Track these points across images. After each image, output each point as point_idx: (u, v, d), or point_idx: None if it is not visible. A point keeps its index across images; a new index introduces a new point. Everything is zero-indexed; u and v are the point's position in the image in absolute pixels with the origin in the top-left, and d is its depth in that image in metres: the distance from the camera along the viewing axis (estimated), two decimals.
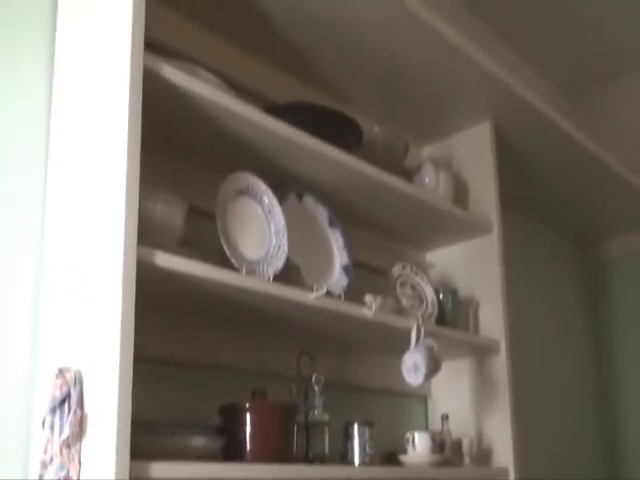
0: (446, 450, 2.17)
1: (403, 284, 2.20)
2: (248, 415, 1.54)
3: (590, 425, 3.47)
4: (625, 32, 3.33)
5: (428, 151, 2.60)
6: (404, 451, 2.07)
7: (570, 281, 3.58)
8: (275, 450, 1.57)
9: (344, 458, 1.90)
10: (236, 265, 1.55)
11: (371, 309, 1.87)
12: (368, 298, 1.90)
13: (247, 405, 1.56)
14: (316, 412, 1.81)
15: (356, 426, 1.90)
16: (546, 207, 3.22)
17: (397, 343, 2.03)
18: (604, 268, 3.66)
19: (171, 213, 1.50)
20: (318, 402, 1.81)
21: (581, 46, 3.41)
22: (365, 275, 2.23)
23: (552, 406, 3.18)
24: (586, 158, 2.83)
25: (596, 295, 3.67)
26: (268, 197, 1.69)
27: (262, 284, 1.59)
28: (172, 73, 1.48)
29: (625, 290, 3.58)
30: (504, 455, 2.29)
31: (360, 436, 1.89)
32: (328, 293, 1.79)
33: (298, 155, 1.81)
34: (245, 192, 1.66)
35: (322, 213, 1.95)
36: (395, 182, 2.04)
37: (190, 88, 1.51)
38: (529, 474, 2.57)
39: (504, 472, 2.26)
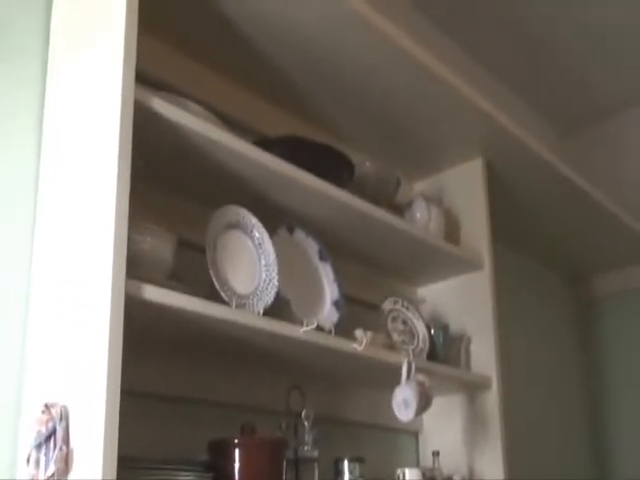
0: None
1: (394, 319, 2.18)
2: (237, 451, 1.52)
3: (584, 462, 3.43)
4: (619, 69, 3.35)
5: (420, 186, 2.59)
6: None
7: (562, 317, 3.55)
8: None
9: None
10: (226, 299, 1.53)
11: (361, 344, 1.85)
12: (359, 333, 1.88)
13: (236, 441, 1.53)
14: (306, 448, 1.77)
15: (346, 462, 1.87)
16: (538, 244, 3.20)
17: (388, 378, 2.00)
18: (596, 305, 3.64)
19: (160, 246, 1.49)
20: (308, 438, 1.78)
21: (575, 83, 3.43)
22: (356, 310, 2.20)
23: (545, 443, 3.14)
24: (578, 195, 2.82)
25: (588, 332, 3.64)
26: (259, 231, 1.67)
27: (252, 318, 1.57)
28: (163, 106, 1.47)
29: (616, 327, 3.56)
30: None
31: (350, 472, 1.86)
32: (318, 328, 1.77)
33: (289, 189, 1.80)
34: (235, 225, 1.64)
35: (313, 247, 1.93)
36: (386, 217, 2.03)
37: (181, 121, 1.50)
38: None
39: None
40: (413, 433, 2.44)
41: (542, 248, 3.25)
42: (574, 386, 3.51)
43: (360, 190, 2.02)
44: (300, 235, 1.91)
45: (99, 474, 1.18)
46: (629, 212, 3.19)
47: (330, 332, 1.81)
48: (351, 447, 2.10)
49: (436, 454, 2.20)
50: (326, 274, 1.93)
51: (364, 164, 2.11)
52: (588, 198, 2.85)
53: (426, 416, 2.41)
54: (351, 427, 2.21)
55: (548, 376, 3.31)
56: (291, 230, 1.89)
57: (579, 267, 3.52)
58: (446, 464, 2.27)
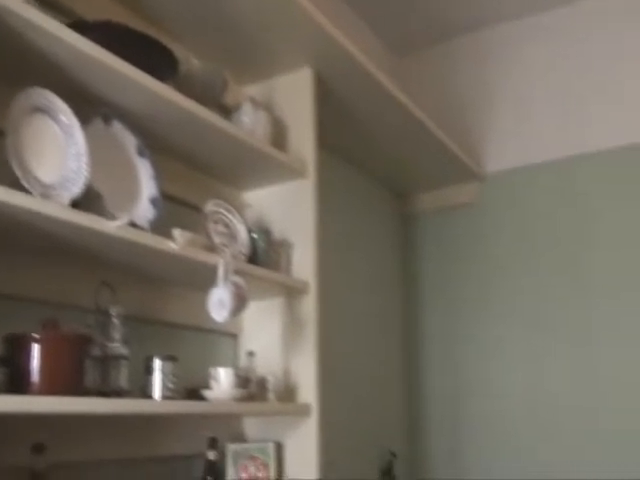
0: (251, 386, 2.09)
1: (216, 221, 2.08)
2: (35, 346, 1.39)
3: (394, 370, 3.50)
4: None
5: (249, 91, 2.46)
6: (208, 387, 1.97)
7: (384, 230, 3.57)
8: (64, 383, 1.43)
9: (144, 393, 1.77)
10: (28, 187, 1.37)
11: (178, 243, 1.74)
12: (176, 232, 1.77)
13: (34, 335, 1.39)
14: (115, 345, 1.66)
15: (157, 361, 1.77)
16: (365, 157, 3.17)
17: (206, 279, 1.91)
18: (416, 221, 3.68)
19: None
20: (117, 335, 1.67)
21: (413, 5, 3.37)
22: (178, 210, 2.09)
23: (359, 349, 3.17)
24: (403, 115, 2.79)
25: (409, 244, 3.69)
26: (67, 117, 1.49)
27: (57, 209, 1.42)
28: None
29: (433, 241, 3.62)
30: (308, 393, 2.24)
31: (161, 371, 1.77)
32: (133, 224, 1.64)
33: (106, 78, 1.63)
34: (41, 110, 1.46)
35: (131, 141, 1.77)
36: (211, 117, 1.91)
37: None
38: (332, 412, 2.54)
39: (307, 409, 2.21)
40: (232, 335, 2.38)
41: (369, 162, 3.22)
42: (391, 295, 3.56)
43: (185, 88, 1.88)
44: (117, 127, 1.75)
45: None
46: (452, 136, 3.20)
47: (145, 229, 1.69)
48: (168, 347, 2.00)
49: (251, 354, 2.15)
50: (144, 170, 1.79)
51: (190, 61, 1.97)
52: (413, 119, 2.82)
53: (245, 319, 2.37)
54: (168, 327, 2.11)
55: (367, 284, 3.33)
56: (107, 121, 1.73)
57: (403, 183, 3.52)
58: (263, 365, 2.25)
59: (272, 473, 2.19)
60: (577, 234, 3.24)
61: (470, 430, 3.37)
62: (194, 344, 2.21)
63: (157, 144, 1.92)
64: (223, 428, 2.23)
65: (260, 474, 2.19)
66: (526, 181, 3.42)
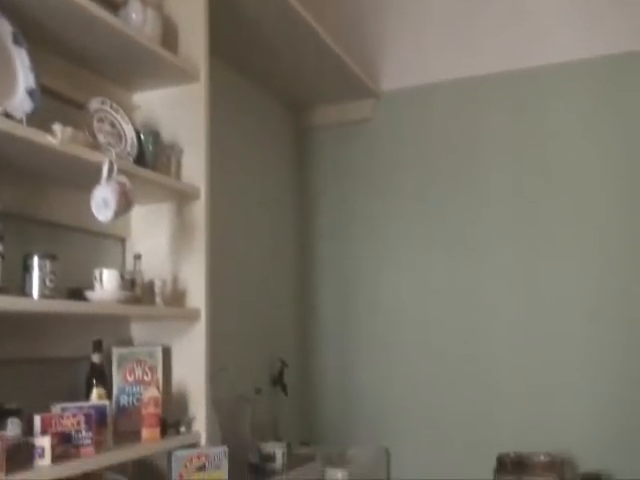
0: (137, 289, 2.04)
1: (101, 120, 1.98)
2: None
3: (287, 280, 3.51)
4: None
5: None
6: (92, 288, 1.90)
7: (279, 142, 3.52)
8: None
9: (23, 291, 1.70)
10: None
11: (58, 138, 1.65)
12: (56, 127, 1.67)
13: None
14: None
15: (36, 258, 1.69)
16: (259, 68, 3.08)
17: (90, 179, 1.82)
18: (312, 135, 3.64)
19: None
20: None
21: None
22: (61, 107, 1.97)
23: (252, 258, 3.16)
24: (297, 24, 2.72)
25: (302, 158, 3.65)
26: None
27: None
28: None
29: (327, 156, 3.60)
30: (197, 297, 2.21)
31: (40, 269, 1.69)
32: (7, 115, 1.54)
33: None
34: None
35: (6, 28, 1.65)
36: (95, 9, 1.79)
37: None
38: (223, 319, 2.52)
39: (196, 313, 2.19)
40: (120, 239, 2.30)
41: (264, 73, 3.14)
42: (285, 204, 3.54)
43: None
44: None
45: None
46: (351, 53, 3.15)
47: (21, 121, 1.59)
48: (52, 248, 1.90)
49: (137, 257, 2.09)
50: (20, 60, 1.67)
51: None
52: (307, 28, 2.76)
53: (134, 222, 2.31)
54: (52, 227, 2.01)
55: (262, 193, 3.30)
56: None
57: (299, 97, 3.46)
58: (152, 269, 2.21)
59: (159, 376, 2.17)
60: (470, 153, 3.28)
61: (359, 343, 3.43)
62: (80, 246, 2.13)
63: (37, 35, 1.80)
64: (110, 332, 2.18)
65: (146, 377, 2.16)
66: (423, 100, 3.42)
